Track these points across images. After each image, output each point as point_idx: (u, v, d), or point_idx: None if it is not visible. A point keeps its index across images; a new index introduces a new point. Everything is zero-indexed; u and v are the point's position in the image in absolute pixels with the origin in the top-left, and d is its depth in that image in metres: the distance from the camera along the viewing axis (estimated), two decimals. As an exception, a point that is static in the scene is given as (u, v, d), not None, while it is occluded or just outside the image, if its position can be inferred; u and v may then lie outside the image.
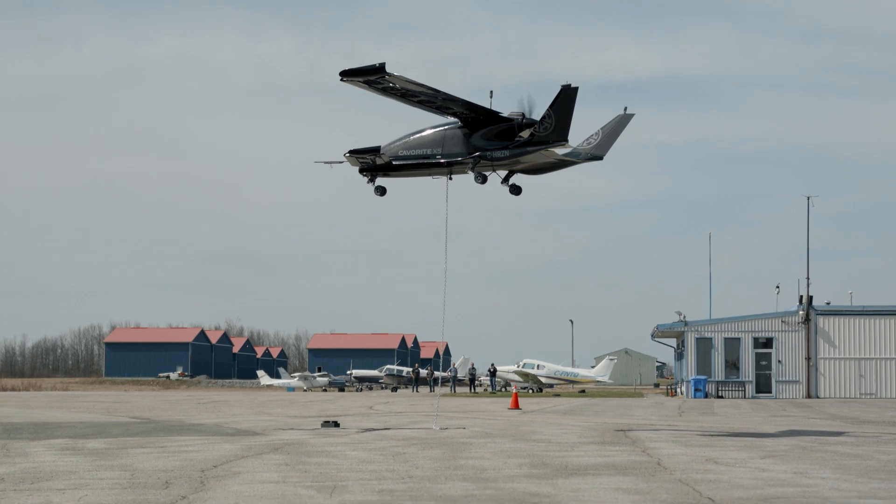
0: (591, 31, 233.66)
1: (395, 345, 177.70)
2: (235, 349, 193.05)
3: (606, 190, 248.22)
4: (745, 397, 63.93)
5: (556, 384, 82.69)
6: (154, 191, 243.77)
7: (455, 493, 12.40)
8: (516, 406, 42.74)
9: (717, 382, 65.31)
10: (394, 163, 25.82)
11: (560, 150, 25.07)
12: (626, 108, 25.84)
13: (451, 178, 26.11)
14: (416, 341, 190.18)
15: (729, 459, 16.92)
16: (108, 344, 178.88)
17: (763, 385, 65.59)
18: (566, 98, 23.55)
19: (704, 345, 66.29)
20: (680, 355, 73.36)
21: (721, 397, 63.75)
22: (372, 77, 22.05)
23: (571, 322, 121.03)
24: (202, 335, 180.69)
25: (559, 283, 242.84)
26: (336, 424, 26.88)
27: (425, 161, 25.58)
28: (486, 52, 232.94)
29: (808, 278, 67.15)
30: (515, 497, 12.09)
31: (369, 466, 15.43)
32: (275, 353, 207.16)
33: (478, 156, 24.95)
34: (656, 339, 74.31)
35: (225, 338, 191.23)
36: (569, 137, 24.22)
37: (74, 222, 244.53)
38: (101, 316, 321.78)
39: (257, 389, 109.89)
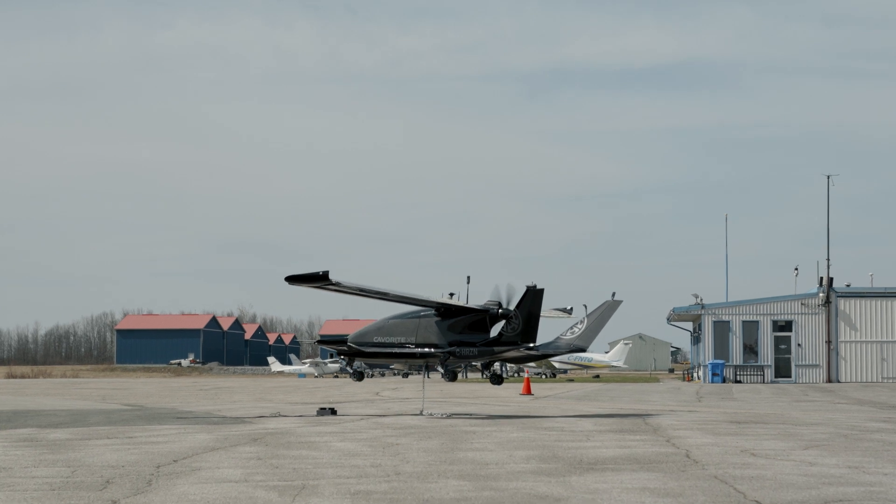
0: (609, 15, 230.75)
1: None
2: (247, 336, 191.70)
3: (623, 174, 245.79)
4: (763, 382, 61.79)
5: (570, 369, 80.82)
6: (167, 177, 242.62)
7: (446, 494, 10.28)
8: (528, 392, 41.38)
9: (735, 367, 63.16)
10: (365, 350, 25.13)
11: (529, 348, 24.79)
12: (613, 294, 26.26)
13: (428, 377, 25.18)
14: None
15: (767, 451, 14.72)
16: (119, 331, 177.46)
17: (782, 369, 63.44)
18: (532, 299, 23.29)
19: (722, 328, 64.13)
20: (697, 339, 71.12)
21: (739, 382, 61.59)
22: (316, 284, 21.46)
23: (585, 307, 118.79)
24: (214, 322, 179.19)
25: (573, 267, 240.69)
26: (333, 412, 25.41)
27: (398, 351, 24.80)
28: (505, 37, 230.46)
29: (828, 259, 64.79)
30: (518, 501, 9.93)
31: (352, 461, 13.35)
32: (287, 339, 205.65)
33: (447, 352, 24.15)
34: (672, 323, 72.09)
35: (237, 324, 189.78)
36: (537, 339, 23.96)
37: (87, 209, 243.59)
38: (113, 303, 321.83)
39: (267, 376, 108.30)
